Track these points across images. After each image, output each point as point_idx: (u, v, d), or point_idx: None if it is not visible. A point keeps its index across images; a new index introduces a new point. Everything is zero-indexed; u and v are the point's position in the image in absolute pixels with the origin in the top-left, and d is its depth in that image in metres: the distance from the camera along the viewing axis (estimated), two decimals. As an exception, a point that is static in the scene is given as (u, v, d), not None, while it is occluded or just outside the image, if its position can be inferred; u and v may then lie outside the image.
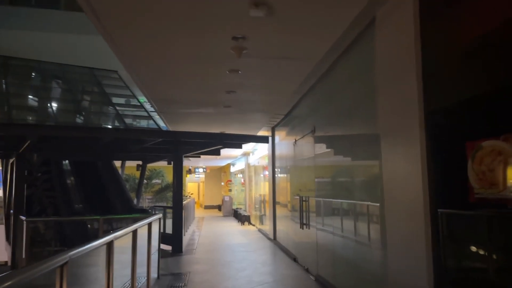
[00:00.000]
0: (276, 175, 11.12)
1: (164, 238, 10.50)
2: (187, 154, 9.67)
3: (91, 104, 11.95)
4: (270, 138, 10.45)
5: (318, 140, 6.55)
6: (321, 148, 6.51)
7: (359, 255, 4.75)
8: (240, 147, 9.82)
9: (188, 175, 30.83)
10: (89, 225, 9.71)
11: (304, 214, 7.15)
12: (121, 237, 3.93)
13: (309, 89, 6.98)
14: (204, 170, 27.41)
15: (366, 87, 4.47)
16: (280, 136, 10.58)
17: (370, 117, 4.24)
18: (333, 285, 5.61)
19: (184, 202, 15.78)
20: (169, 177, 19.38)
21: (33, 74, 15.28)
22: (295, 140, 8.24)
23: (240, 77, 5.74)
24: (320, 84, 6.37)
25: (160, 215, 6.61)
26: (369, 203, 4.39)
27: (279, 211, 10.63)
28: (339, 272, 5.54)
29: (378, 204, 4.05)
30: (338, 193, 5.82)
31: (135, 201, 11.98)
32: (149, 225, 5.66)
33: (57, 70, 15.56)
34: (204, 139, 8.22)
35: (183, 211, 14.49)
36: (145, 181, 17.46)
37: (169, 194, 19.16)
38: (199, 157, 11.68)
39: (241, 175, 23.87)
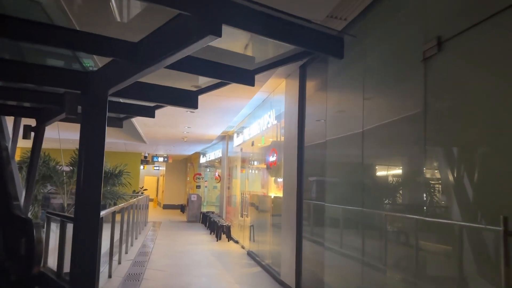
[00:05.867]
0: (304, 158, 5.65)
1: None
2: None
3: None
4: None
5: None
6: None
7: None
8: (252, 85, 3.98)
9: (145, 166, 24.69)
10: None
11: None
12: None
13: None
14: (166, 159, 21.39)
15: None
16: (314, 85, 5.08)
17: None
18: None
19: (132, 201, 10.08)
20: (111, 162, 13.26)
21: None
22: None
23: None
24: None
25: None
26: None
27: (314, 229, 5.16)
28: None
29: None
30: None
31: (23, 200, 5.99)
32: None
33: None
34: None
35: (129, 214, 8.83)
36: (70, 167, 11.33)
37: (114, 188, 13.12)
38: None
39: (208, 170, 18.06)
